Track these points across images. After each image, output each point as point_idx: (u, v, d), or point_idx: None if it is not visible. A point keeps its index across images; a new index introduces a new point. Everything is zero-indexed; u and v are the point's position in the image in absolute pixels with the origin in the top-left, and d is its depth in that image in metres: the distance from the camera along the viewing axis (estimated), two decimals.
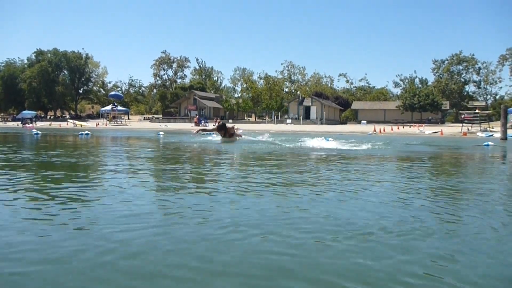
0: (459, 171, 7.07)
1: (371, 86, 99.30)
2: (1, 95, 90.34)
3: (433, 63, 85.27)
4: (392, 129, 47.91)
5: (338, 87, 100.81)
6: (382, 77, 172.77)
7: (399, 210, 3.45)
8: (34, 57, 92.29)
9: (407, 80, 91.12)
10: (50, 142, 13.38)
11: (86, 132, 20.60)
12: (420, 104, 66.84)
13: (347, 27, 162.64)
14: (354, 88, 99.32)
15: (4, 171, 5.59)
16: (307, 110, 72.15)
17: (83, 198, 3.73)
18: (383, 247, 2.43)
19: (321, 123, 64.58)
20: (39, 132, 20.19)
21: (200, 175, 5.54)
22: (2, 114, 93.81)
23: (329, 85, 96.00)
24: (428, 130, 44.99)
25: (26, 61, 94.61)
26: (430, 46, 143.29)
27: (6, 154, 8.47)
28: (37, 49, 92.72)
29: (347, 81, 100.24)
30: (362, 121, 67.29)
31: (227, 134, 15.67)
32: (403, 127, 52.76)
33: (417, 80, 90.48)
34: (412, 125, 57.05)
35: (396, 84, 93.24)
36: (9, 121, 79.55)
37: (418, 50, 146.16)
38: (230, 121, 72.61)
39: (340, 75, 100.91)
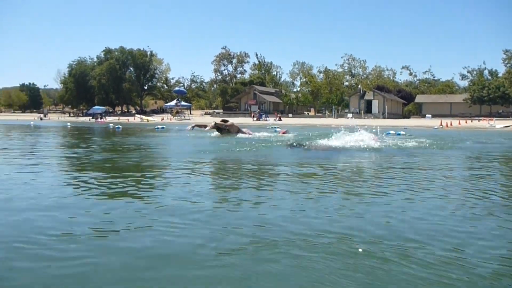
0: None
1: (436, 78, 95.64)
2: (73, 92, 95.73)
3: (504, 54, 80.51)
4: (459, 123, 46.12)
5: (400, 80, 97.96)
6: (447, 69, 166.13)
7: None
8: (103, 55, 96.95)
9: (475, 72, 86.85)
10: (143, 135, 14.25)
11: (162, 126, 21.80)
12: (490, 96, 63.65)
13: (410, 17, 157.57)
14: (417, 81, 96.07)
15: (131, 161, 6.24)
16: (369, 104, 70.80)
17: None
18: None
19: (383, 117, 63.25)
20: (119, 126, 21.72)
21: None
22: (74, 109, 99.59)
23: (391, 78, 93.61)
24: (499, 124, 42.89)
25: (95, 59, 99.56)
26: (501, 36, 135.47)
27: (127, 146, 9.22)
28: (105, 47, 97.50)
29: (410, 74, 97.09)
30: (427, 115, 65.10)
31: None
32: (471, 121, 50.59)
33: (486, 72, 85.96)
34: (481, 119, 54.51)
35: (463, 76, 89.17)
36: (80, 116, 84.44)
37: (487, 40, 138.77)
38: (290, 115, 72.77)
39: (403, 67, 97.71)
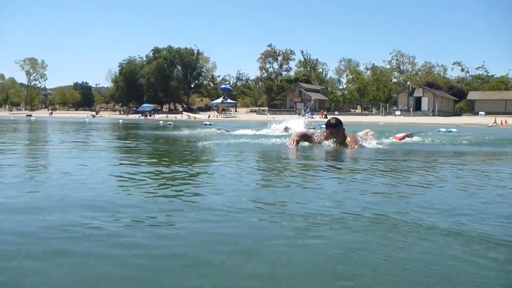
0: None
1: (489, 74, 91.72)
2: (124, 90, 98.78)
3: None
4: None
5: (451, 76, 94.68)
6: (502, 65, 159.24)
7: None
8: (151, 55, 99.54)
9: None
10: (192, 131, 14.52)
11: (210, 123, 22.35)
12: None
13: (461, 11, 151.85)
14: (470, 77, 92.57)
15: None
16: (418, 101, 69.05)
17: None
18: None
19: (433, 115, 61.39)
20: (171, 122, 22.53)
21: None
22: (124, 107, 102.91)
23: (442, 74, 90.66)
24: None
25: (144, 59, 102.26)
26: None
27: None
28: (154, 47, 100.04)
29: (462, 70, 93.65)
30: (480, 113, 62.62)
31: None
32: None
33: None
34: None
35: None
36: (130, 113, 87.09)
37: None
38: (336, 113, 71.96)
39: (454, 63, 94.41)
